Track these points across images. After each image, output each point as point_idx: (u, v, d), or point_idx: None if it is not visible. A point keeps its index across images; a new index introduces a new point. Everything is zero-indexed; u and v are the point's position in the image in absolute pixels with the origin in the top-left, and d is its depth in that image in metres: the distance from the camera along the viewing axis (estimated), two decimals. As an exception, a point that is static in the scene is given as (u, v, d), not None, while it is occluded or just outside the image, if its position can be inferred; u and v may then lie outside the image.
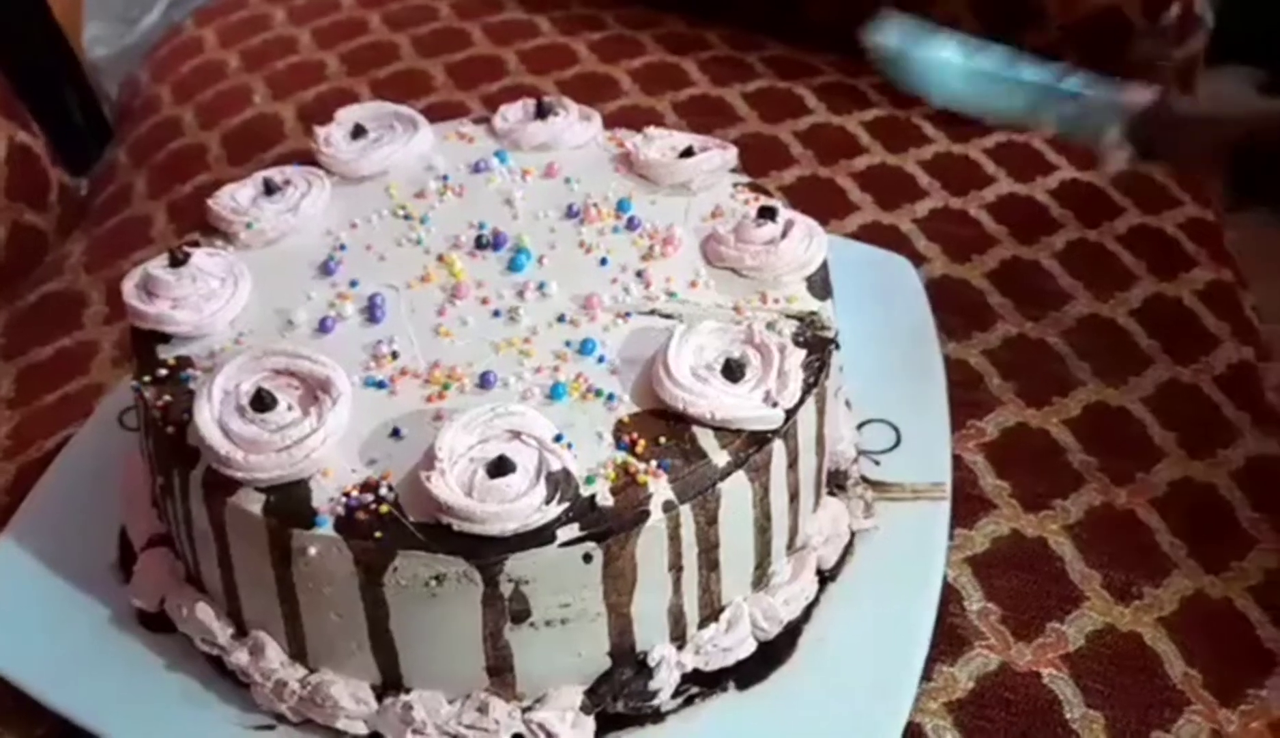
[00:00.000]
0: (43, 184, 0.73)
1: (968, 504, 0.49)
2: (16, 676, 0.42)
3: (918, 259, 0.63)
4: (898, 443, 0.49)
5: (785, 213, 0.45)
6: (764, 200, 0.46)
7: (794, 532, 0.43)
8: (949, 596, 0.45)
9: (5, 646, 0.42)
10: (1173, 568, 0.49)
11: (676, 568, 0.38)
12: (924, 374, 0.52)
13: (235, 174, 0.71)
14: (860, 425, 0.49)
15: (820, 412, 0.42)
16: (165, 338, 0.42)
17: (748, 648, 0.41)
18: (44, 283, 0.67)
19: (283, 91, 0.78)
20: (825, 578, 0.44)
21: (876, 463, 0.48)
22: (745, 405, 0.39)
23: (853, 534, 0.45)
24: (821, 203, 0.67)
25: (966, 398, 0.54)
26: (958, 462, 0.50)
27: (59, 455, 0.50)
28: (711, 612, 0.41)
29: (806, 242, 0.44)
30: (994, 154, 0.72)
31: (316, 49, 0.82)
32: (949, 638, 0.45)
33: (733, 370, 0.39)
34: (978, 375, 0.56)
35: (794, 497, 0.42)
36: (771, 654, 0.42)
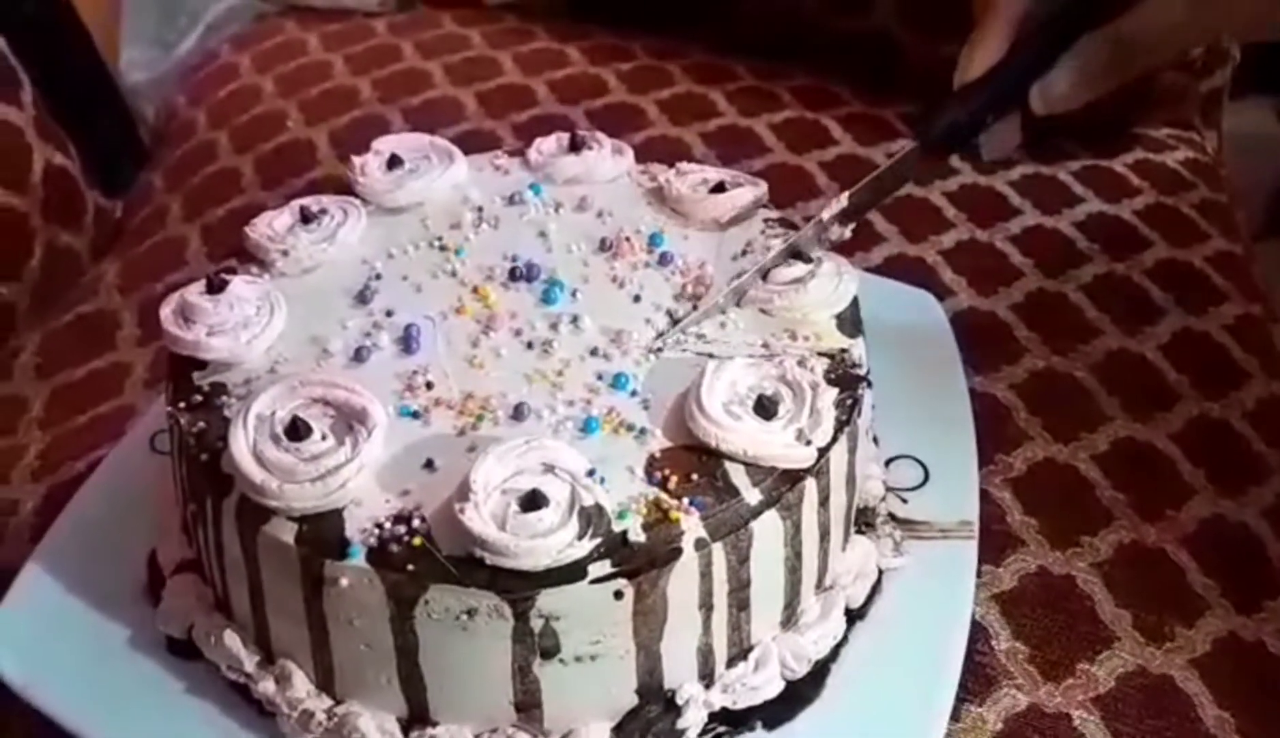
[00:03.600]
0: (78, 206, 0.74)
1: (995, 540, 0.49)
2: (41, 699, 0.42)
3: (944, 291, 0.63)
4: (925, 480, 0.49)
5: (815, 251, 0.46)
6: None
7: (823, 570, 0.43)
8: (976, 634, 0.45)
9: (31, 669, 0.42)
10: (1205, 608, 0.48)
11: (707, 607, 0.38)
12: (951, 410, 0.52)
13: (268, 198, 0.72)
14: (888, 462, 0.49)
15: (852, 450, 0.42)
16: (201, 364, 0.43)
17: (776, 687, 0.41)
18: (78, 304, 0.68)
19: (316, 117, 0.79)
20: (853, 617, 0.44)
21: (904, 500, 0.48)
22: (778, 443, 0.38)
23: (880, 572, 0.45)
24: (849, 234, 0.67)
25: (993, 432, 0.53)
26: (985, 497, 0.50)
27: (89, 478, 0.50)
28: (740, 651, 0.40)
29: (835, 280, 0.44)
30: (1019, 186, 0.72)
31: (350, 75, 0.83)
32: (977, 677, 0.44)
33: (765, 407, 0.39)
34: (1005, 409, 0.56)
35: (824, 535, 0.41)
36: (799, 694, 0.41)
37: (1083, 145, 0.76)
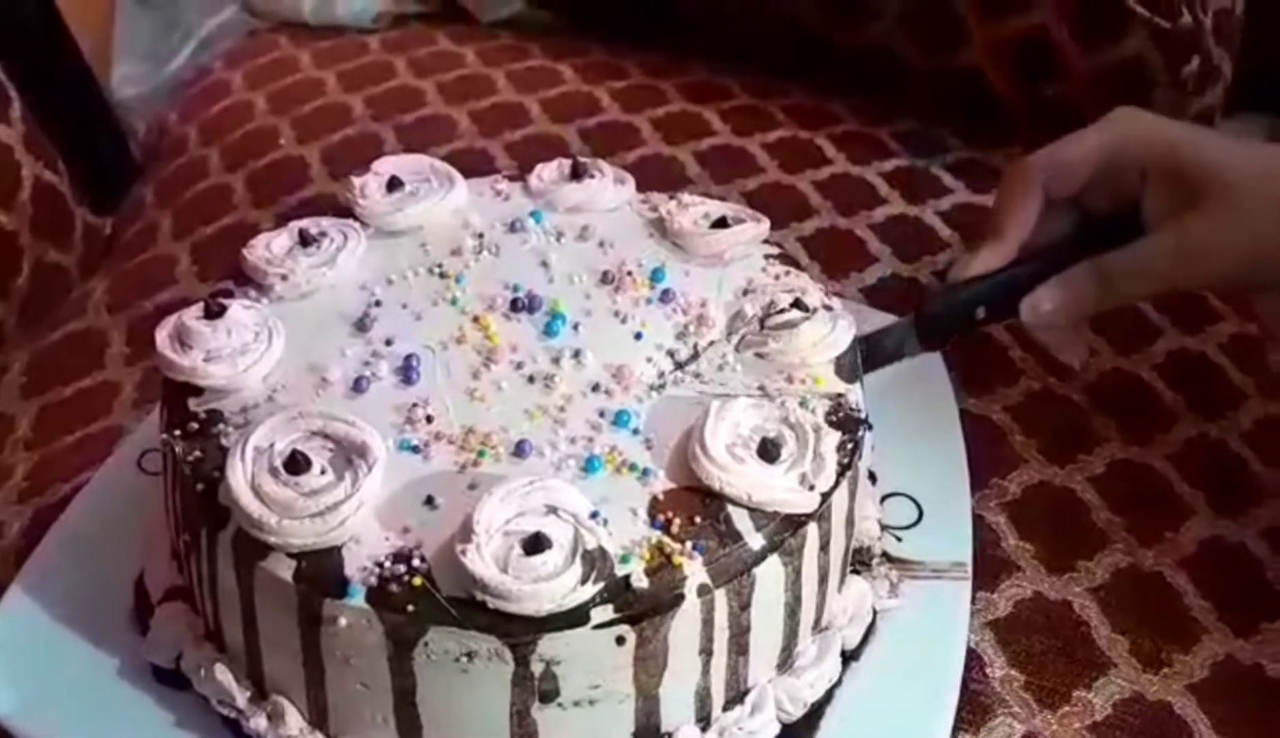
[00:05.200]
0: (67, 223, 0.73)
1: (990, 566, 0.49)
2: (24, 728, 0.41)
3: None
4: (920, 518, 0.48)
5: (815, 298, 0.45)
6: (795, 286, 0.46)
7: (820, 612, 0.42)
8: (971, 662, 0.45)
9: (14, 695, 0.42)
10: (1202, 633, 0.48)
11: (707, 652, 0.38)
12: (944, 446, 0.51)
13: (260, 216, 0.72)
14: (883, 499, 0.49)
15: (852, 493, 0.42)
16: (197, 390, 0.42)
17: (771, 730, 0.40)
18: (66, 322, 0.67)
19: (308, 135, 0.78)
20: (846, 657, 0.43)
21: (898, 538, 0.48)
22: (781, 488, 0.38)
23: (875, 612, 0.45)
24: (841, 254, 0.67)
25: (988, 455, 0.53)
26: (979, 522, 0.50)
27: (75, 499, 0.50)
28: (737, 694, 0.40)
29: (830, 324, 0.44)
30: (1014, 205, 0.72)
31: (343, 93, 0.83)
32: (971, 706, 0.44)
33: (768, 450, 0.39)
34: (1000, 432, 0.56)
35: (823, 579, 0.41)
36: (794, 736, 0.41)
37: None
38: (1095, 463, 0.55)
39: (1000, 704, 0.45)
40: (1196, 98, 0.81)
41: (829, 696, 0.42)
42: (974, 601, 0.46)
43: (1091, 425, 0.57)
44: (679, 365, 0.43)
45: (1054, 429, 0.56)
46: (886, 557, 0.47)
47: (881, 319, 0.55)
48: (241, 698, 0.40)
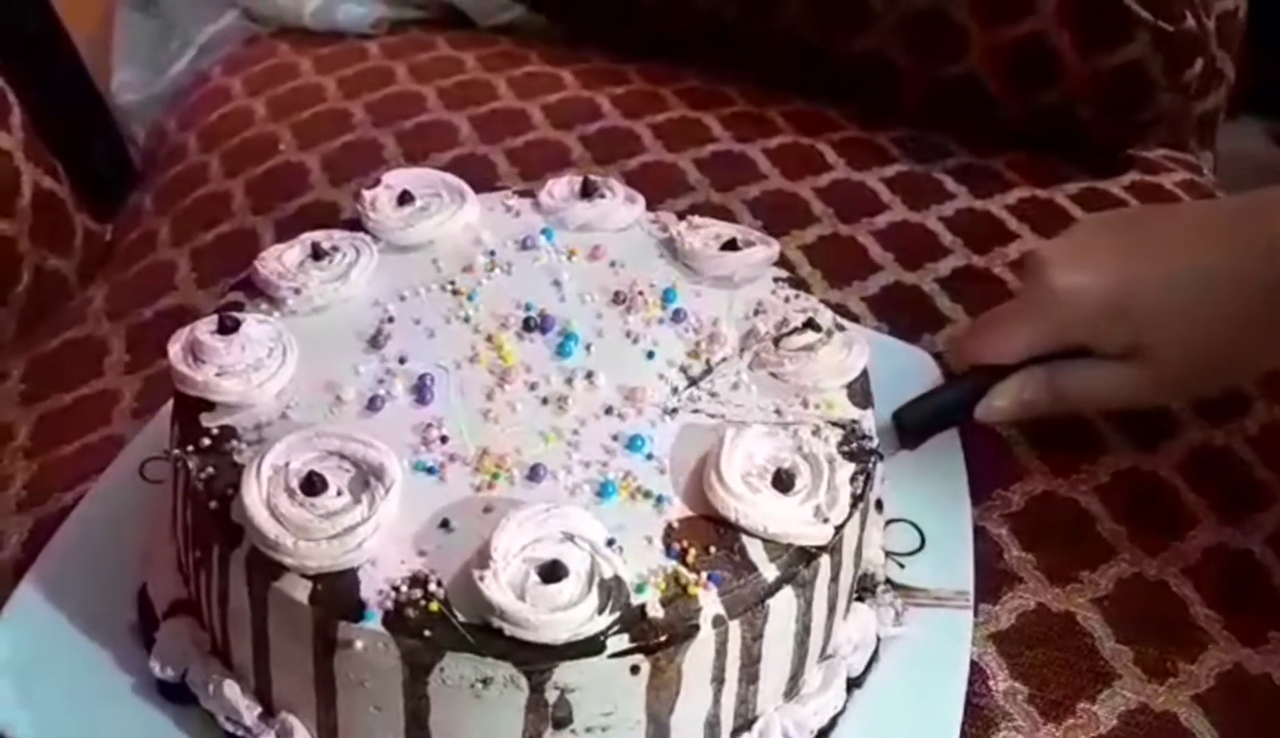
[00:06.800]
0: (67, 230, 0.73)
1: (993, 578, 0.49)
2: (25, 741, 0.41)
3: (941, 320, 0.63)
4: (922, 545, 0.48)
5: (826, 320, 0.46)
6: (806, 307, 0.47)
7: (827, 641, 0.42)
8: (974, 675, 0.45)
9: (17, 708, 0.41)
10: (1208, 642, 0.48)
11: (719, 681, 0.38)
12: (945, 470, 0.51)
13: (259, 223, 0.71)
14: (885, 525, 0.49)
15: (862, 525, 0.42)
16: (209, 405, 0.42)
17: (777, 758, 0.40)
18: (66, 329, 0.67)
19: (308, 141, 0.77)
20: (851, 685, 0.43)
21: (901, 566, 0.48)
22: (796, 520, 0.38)
23: (878, 640, 0.45)
24: (843, 262, 0.67)
25: (992, 467, 0.53)
26: (982, 534, 0.50)
27: (75, 509, 0.49)
28: (745, 722, 0.40)
29: (845, 350, 0.44)
30: (1016, 210, 0.72)
31: (343, 99, 0.82)
32: (975, 720, 0.44)
33: (783, 481, 0.39)
34: (1003, 443, 0.56)
35: (832, 609, 0.41)
36: (798, 762, 0.41)
37: (1079, 168, 0.77)
38: (1099, 472, 0.55)
39: (1004, 717, 0.45)
40: (1198, 102, 0.82)
41: (833, 723, 0.42)
42: (977, 614, 0.47)
43: (1096, 434, 0.57)
44: (693, 382, 0.43)
45: (1058, 439, 0.56)
46: (890, 583, 0.47)
47: (885, 341, 0.55)
48: (249, 716, 0.40)
